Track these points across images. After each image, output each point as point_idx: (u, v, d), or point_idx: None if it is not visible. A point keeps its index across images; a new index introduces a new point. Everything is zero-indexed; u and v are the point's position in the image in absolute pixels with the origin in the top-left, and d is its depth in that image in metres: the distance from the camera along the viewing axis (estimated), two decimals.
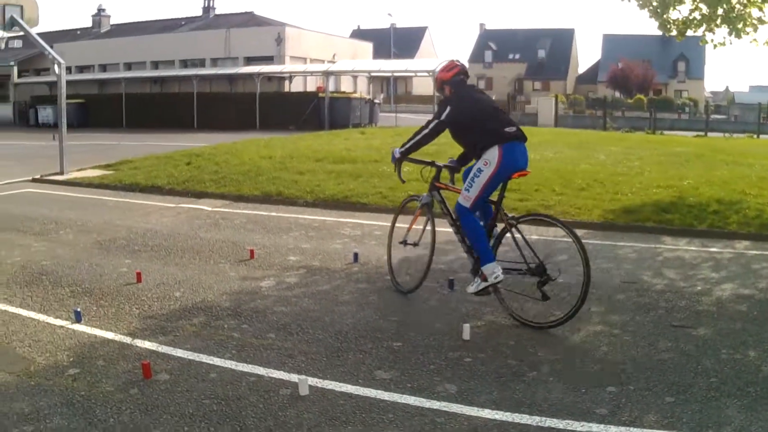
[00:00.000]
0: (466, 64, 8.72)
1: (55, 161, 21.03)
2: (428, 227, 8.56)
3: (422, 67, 49.83)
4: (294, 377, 5.92)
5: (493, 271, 7.45)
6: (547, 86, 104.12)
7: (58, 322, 7.46)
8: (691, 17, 15.52)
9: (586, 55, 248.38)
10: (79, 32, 72.18)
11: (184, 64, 57.94)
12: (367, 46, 68.12)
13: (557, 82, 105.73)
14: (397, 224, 8.97)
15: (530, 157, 18.19)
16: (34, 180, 19.55)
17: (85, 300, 8.22)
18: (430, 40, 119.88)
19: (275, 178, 16.78)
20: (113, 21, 73.99)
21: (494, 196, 7.84)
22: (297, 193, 15.23)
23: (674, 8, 15.39)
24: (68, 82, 20.81)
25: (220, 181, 16.66)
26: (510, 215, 7.71)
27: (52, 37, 58.59)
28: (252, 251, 10.22)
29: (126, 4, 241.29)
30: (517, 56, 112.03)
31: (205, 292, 8.46)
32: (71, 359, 6.42)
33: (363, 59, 61.64)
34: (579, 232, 11.67)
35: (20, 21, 20.55)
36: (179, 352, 6.51)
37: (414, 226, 8.77)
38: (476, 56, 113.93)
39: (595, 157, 20.54)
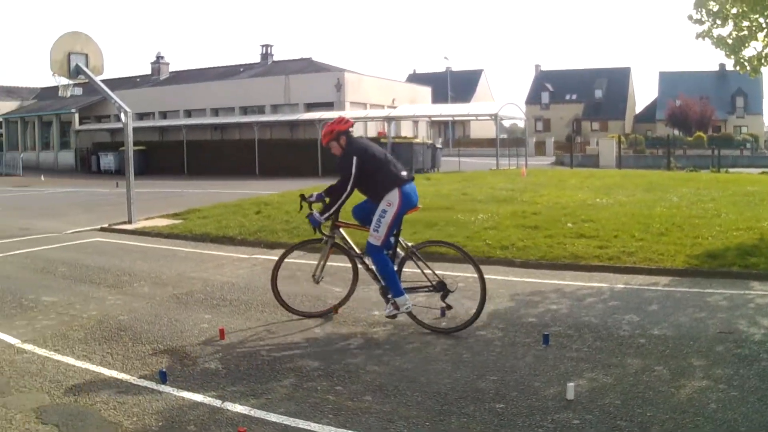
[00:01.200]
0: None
1: (120, 209, 21.20)
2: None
3: (484, 111, 49.84)
4: None
5: (405, 302, 8.98)
6: (605, 126, 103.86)
7: (143, 382, 7.29)
8: (765, 53, 15.27)
9: (643, 93, 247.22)
10: (138, 79, 72.98)
11: (244, 110, 58.25)
12: (426, 91, 68.18)
13: (615, 121, 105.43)
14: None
15: (604, 202, 18.06)
16: (102, 229, 19.64)
17: (168, 358, 8.08)
18: (486, 82, 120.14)
19: None
20: (172, 68, 74.67)
21: None
22: None
23: (748, 45, 15.14)
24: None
25: (292, 231, 16.45)
26: (409, 244, 9.33)
27: (112, 84, 59.08)
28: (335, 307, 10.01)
29: (184, 51, 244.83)
30: (574, 96, 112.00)
31: (292, 351, 8.28)
32: (160, 424, 6.23)
33: (422, 103, 61.68)
34: (664, 279, 11.50)
35: (85, 69, 20.73)
36: (273, 417, 6.27)
37: (327, 263, 10.03)
38: (533, 98, 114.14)
39: (668, 199, 20.22)
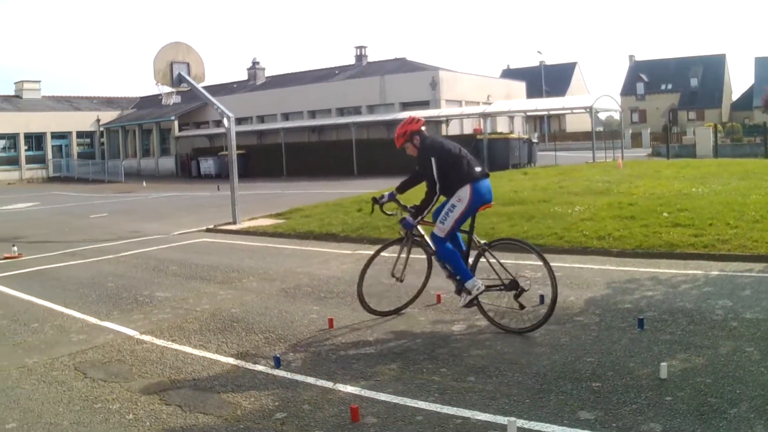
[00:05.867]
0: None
1: (224, 211, 21.85)
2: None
3: (579, 104, 49.43)
4: (500, 419, 5.94)
5: (474, 284, 8.82)
6: (702, 115, 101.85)
7: (258, 367, 7.70)
8: None
9: (740, 80, 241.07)
10: (235, 85, 74.09)
11: (341, 112, 58.88)
12: (520, 86, 68.01)
13: (712, 110, 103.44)
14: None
15: (699, 191, 17.83)
16: (208, 230, 20.27)
17: (280, 346, 8.47)
18: (581, 75, 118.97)
19: None
20: (268, 73, 75.63)
21: (466, 227, 9.11)
22: None
23: None
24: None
25: (393, 227, 16.62)
26: (482, 241, 9.09)
27: (211, 91, 59.52)
28: (438, 296, 10.27)
29: (279, 56, 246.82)
30: (669, 86, 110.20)
31: (398, 337, 8.61)
32: (276, 403, 6.60)
33: (517, 99, 61.53)
34: (758, 265, 11.50)
35: (188, 78, 21.41)
36: (382, 396, 6.60)
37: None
38: (628, 89, 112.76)
39: (764, 186, 19.93)
